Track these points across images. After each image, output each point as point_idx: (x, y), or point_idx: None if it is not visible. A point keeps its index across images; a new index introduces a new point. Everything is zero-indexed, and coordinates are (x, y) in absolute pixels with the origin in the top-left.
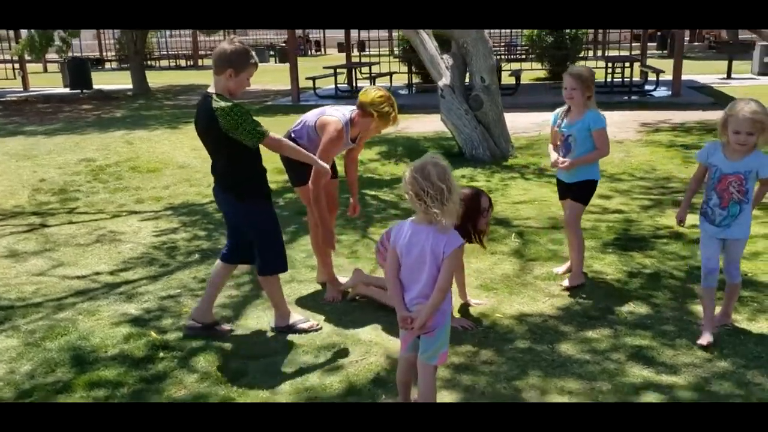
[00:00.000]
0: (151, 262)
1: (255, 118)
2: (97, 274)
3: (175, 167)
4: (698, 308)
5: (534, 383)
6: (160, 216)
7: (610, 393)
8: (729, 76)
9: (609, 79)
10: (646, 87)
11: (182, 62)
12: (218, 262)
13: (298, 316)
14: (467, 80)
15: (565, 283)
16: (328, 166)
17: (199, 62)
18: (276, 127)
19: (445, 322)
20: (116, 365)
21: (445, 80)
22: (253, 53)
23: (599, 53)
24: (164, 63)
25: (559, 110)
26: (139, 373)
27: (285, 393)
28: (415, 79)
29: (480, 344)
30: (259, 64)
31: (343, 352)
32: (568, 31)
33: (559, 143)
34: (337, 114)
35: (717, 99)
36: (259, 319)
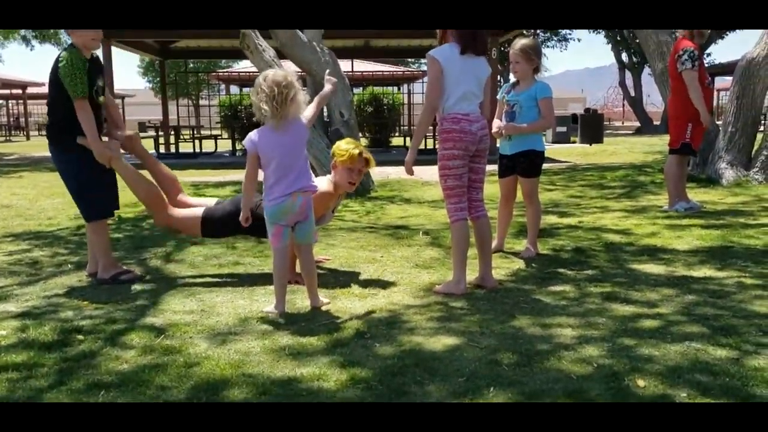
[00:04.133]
0: (15, 273)
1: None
2: None
3: None
4: (640, 267)
5: (530, 322)
6: (2, 241)
7: (608, 325)
8: None
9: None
10: None
11: None
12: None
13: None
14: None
15: (523, 255)
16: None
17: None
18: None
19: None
20: (21, 351)
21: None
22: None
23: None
24: None
25: (506, 84)
26: (57, 355)
27: (259, 351)
28: (238, 146)
29: (447, 301)
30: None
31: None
32: (386, 102)
33: (504, 114)
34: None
35: None
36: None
